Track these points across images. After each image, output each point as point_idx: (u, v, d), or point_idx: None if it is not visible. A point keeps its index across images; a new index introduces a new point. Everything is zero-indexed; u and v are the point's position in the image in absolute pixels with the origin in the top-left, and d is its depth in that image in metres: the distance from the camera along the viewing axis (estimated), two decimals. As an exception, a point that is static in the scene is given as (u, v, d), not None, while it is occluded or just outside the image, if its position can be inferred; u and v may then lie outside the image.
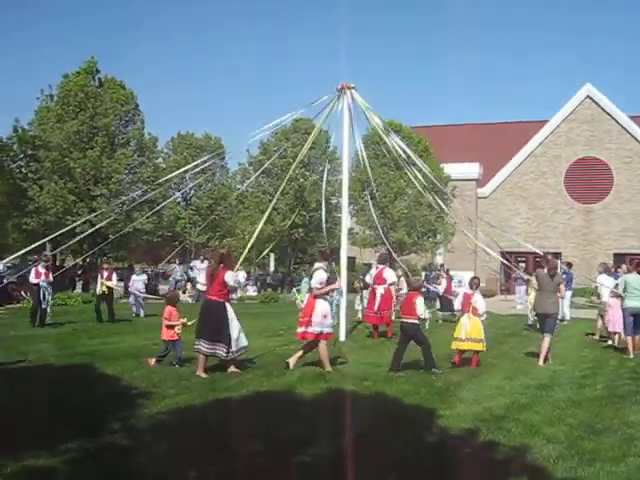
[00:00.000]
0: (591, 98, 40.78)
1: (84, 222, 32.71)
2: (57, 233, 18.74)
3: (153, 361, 11.32)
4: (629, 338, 14.11)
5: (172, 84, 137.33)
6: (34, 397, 8.68)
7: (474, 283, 12.82)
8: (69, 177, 33.57)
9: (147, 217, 29.11)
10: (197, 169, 24.11)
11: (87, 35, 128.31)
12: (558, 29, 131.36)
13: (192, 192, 47.83)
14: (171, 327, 11.42)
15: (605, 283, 17.58)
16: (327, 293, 11.74)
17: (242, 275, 26.51)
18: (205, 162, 24.17)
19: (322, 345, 11.29)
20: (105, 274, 19.73)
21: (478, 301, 12.39)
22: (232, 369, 10.85)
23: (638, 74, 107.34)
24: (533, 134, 42.08)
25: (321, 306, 11.31)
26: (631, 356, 13.59)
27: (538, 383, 10.39)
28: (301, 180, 35.61)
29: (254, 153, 40.70)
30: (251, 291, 38.22)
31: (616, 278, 25.67)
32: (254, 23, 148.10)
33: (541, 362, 12.47)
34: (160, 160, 44.06)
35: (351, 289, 19.52)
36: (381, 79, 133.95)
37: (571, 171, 41.06)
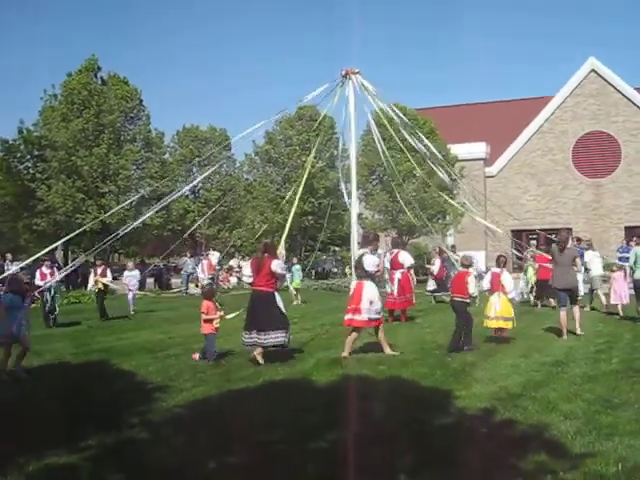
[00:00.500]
0: (596, 72, 40.47)
1: (94, 220, 32.89)
2: (69, 236, 18.63)
3: (197, 356, 11.23)
4: None
5: (175, 78, 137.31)
6: (52, 395, 8.74)
7: (501, 261, 12.99)
8: (77, 175, 33.68)
9: (156, 212, 29.12)
10: (204, 161, 24.14)
11: (88, 33, 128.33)
12: (560, 6, 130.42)
13: (200, 184, 47.87)
14: (209, 321, 11.29)
15: (594, 260, 18.65)
16: (378, 277, 12.07)
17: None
18: (213, 155, 24.35)
19: (354, 334, 11.33)
20: (99, 270, 19.48)
21: (506, 279, 12.55)
22: (259, 355, 10.69)
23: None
24: (539, 110, 41.83)
25: (369, 292, 11.21)
26: None
27: (553, 360, 10.39)
28: (308, 167, 35.55)
29: (260, 143, 40.71)
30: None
31: (628, 251, 25.66)
32: (256, 15, 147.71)
33: (579, 331, 13.10)
34: (167, 155, 44.12)
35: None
36: (384, 64, 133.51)
37: (579, 146, 40.82)
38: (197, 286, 30.80)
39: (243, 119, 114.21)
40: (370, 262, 11.30)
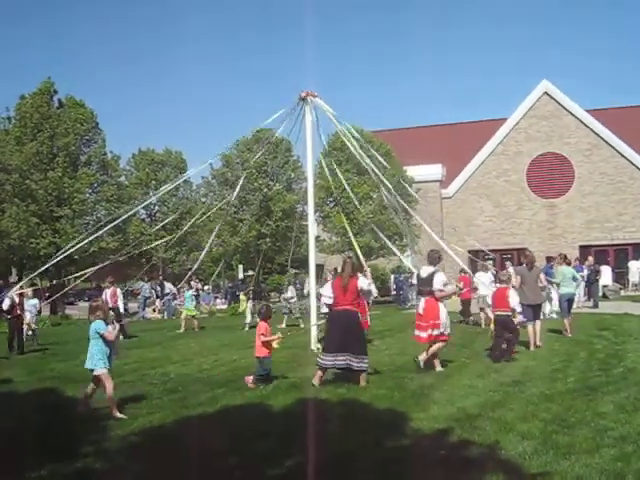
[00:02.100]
0: (548, 94, 41.20)
1: (49, 244, 32.44)
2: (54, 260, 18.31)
3: (251, 379, 10.77)
4: (566, 320, 16.19)
5: (130, 101, 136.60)
6: (2, 425, 8.53)
7: (506, 278, 13.44)
8: (31, 199, 33.27)
9: (112, 236, 28.87)
10: (163, 190, 24.05)
11: (43, 56, 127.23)
12: (513, 26, 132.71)
13: (157, 208, 47.55)
14: (266, 343, 10.90)
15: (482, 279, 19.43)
16: (449, 296, 12.58)
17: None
18: (169, 178, 24.35)
19: (439, 345, 11.67)
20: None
21: (511, 296, 12.83)
22: (363, 381, 10.45)
23: (594, 69, 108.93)
24: (494, 132, 42.39)
25: (443, 307, 11.68)
26: (569, 335, 15.67)
27: (510, 380, 10.43)
28: (265, 190, 35.54)
29: (216, 166, 40.59)
30: (220, 304, 38.10)
31: (582, 270, 26.00)
32: (213, 39, 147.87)
33: (539, 343, 13.96)
34: (123, 178, 43.78)
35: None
36: (337, 86, 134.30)
37: (533, 167, 41.43)
38: (154, 311, 30.56)
39: (199, 141, 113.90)
40: (440, 280, 11.68)
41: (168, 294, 31.29)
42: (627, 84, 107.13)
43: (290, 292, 23.30)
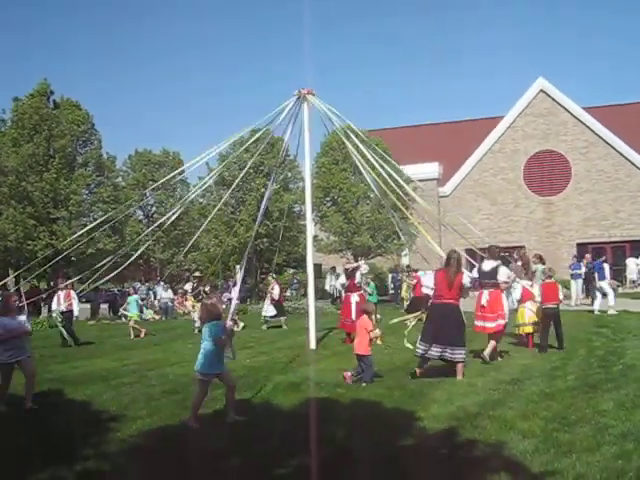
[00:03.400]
0: (544, 92, 41.21)
1: (46, 246, 32.38)
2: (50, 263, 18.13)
3: (349, 375, 10.70)
4: None
5: (127, 102, 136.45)
6: (1, 428, 8.51)
7: (552, 274, 14.35)
8: (27, 201, 33.23)
9: (108, 236, 28.84)
10: (156, 185, 23.96)
11: (40, 57, 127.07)
12: (509, 25, 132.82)
13: (154, 209, 47.51)
14: (367, 339, 10.78)
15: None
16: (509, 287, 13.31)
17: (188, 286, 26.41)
18: (167, 180, 24.20)
19: (498, 336, 12.55)
20: (62, 295, 19.16)
21: (536, 290, 14.02)
22: (460, 374, 10.73)
23: (590, 67, 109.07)
24: (490, 130, 42.40)
25: (505, 299, 12.44)
26: None
27: (510, 378, 10.43)
28: (262, 190, 35.45)
29: (213, 166, 40.51)
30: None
31: (580, 268, 26.00)
32: (207, 41, 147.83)
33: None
34: (119, 179, 43.75)
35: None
36: (333, 85, 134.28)
37: (530, 165, 41.44)
38: (155, 312, 30.41)
39: (196, 142, 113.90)
40: (504, 273, 12.52)
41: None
42: (624, 81, 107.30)
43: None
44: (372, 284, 22.76)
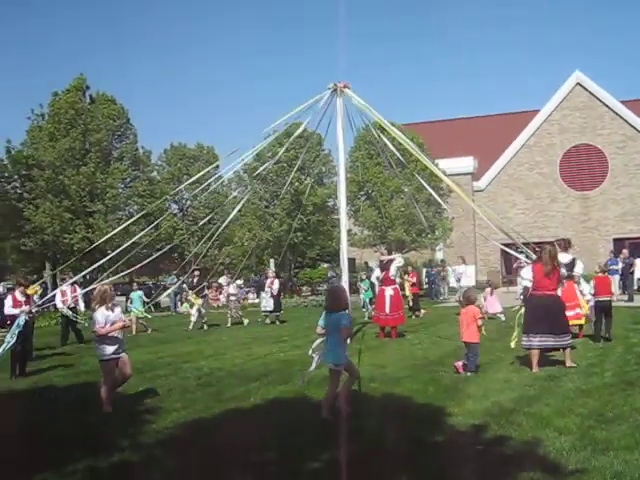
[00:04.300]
0: (581, 85, 40.79)
1: (82, 239, 32.71)
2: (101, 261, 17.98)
3: (460, 364, 10.80)
4: None
5: (162, 96, 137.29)
6: (40, 419, 8.62)
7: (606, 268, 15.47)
8: (64, 195, 33.56)
9: (145, 231, 29.02)
10: (193, 179, 23.99)
11: (75, 52, 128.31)
12: (543, 20, 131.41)
13: (188, 202, 47.73)
14: (478, 328, 10.97)
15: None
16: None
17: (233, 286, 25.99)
18: (203, 175, 24.17)
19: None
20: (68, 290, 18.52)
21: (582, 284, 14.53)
22: (568, 360, 11.07)
23: (625, 60, 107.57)
24: (526, 124, 42.05)
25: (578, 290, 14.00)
26: None
27: (546, 374, 10.33)
28: (296, 184, 35.52)
29: (248, 160, 40.59)
30: (251, 298, 38.16)
31: (617, 263, 25.72)
32: (244, 32, 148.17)
33: None
34: (155, 173, 44.02)
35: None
36: (369, 80, 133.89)
37: (566, 159, 41.06)
38: (190, 306, 30.47)
39: (231, 136, 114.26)
40: (580, 266, 13.94)
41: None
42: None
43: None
44: (367, 281, 22.80)
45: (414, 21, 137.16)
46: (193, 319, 22.03)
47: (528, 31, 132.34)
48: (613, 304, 14.75)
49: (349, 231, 31.04)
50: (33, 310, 13.16)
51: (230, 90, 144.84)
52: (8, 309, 13.06)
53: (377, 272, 17.80)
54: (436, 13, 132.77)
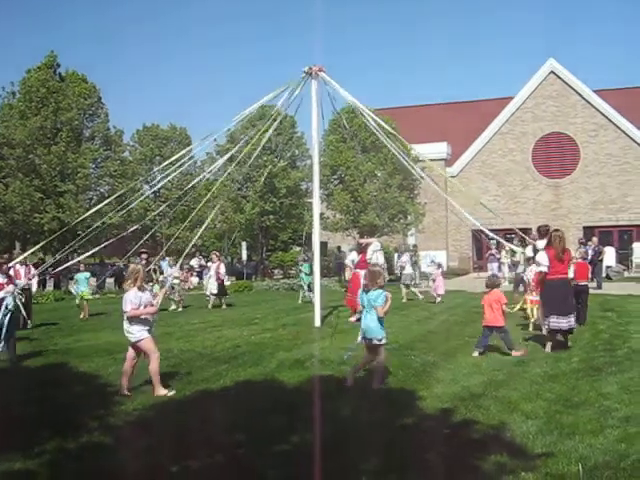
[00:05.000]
0: (555, 73, 40.96)
1: (53, 219, 32.42)
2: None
3: (520, 353, 10.92)
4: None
5: (133, 75, 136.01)
6: (7, 399, 8.55)
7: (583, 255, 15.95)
8: (35, 174, 33.24)
9: (117, 211, 28.79)
10: (167, 162, 23.76)
11: (46, 29, 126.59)
12: (518, 7, 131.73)
13: (160, 184, 47.47)
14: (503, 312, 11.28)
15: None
16: None
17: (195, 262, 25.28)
18: (174, 155, 23.86)
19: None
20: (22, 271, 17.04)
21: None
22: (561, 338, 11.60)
23: (600, 49, 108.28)
24: (499, 111, 42.19)
25: None
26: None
27: (514, 359, 10.44)
28: (269, 167, 35.42)
29: (221, 142, 40.40)
30: (226, 280, 38.05)
31: (587, 250, 26.01)
32: (216, 18, 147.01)
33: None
34: (127, 153, 43.68)
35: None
36: (341, 62, 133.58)
37: (538, 147, 41.27)
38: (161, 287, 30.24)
39: (204, 119, 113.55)
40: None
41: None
42: (635, 65, 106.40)
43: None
44: (306, 265, 22.74)
45: (390, 6, 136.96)
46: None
47: (505, 17, 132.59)
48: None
49: (322, 215, 31.05)
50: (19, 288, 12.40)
51: (206, 73, 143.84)
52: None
53: (353, 255, 17.79)
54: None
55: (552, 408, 7.41)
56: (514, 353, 10.83)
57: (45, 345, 13.65)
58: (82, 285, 20.09)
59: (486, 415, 7.19)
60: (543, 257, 11.82)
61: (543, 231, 13.67)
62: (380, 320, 8.63)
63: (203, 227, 17.30)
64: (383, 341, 8.73)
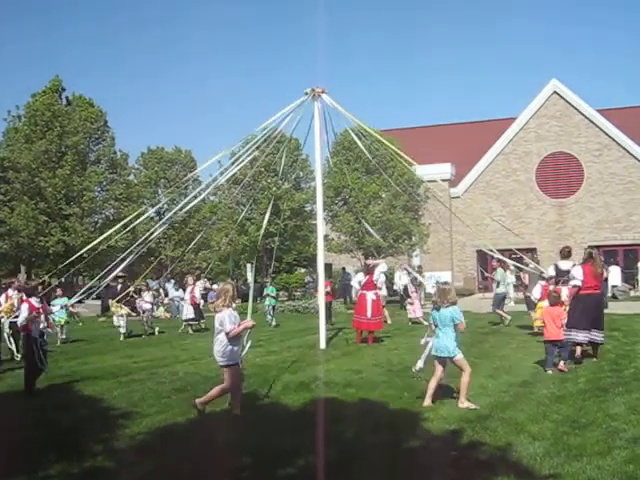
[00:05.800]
0: (558, 93, 41.05)
1: (58, 242, 32.47)
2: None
3: (562, 364, 11.28)
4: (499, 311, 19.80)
5: (139, 99, 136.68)
6: (12, 423, 8.53)
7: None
8: (40, 197, 33.38)
9: (121, 234, 28.83)
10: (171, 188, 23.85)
11: (52, 54, 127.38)
12: (522, 24, 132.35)
13: (165, 206, 47.60)
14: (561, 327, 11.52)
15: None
16: None
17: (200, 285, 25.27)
18: (179, 177, 23.97)
19: None
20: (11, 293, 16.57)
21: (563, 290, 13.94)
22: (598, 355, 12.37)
23: (603, 68, 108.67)
24: (503, 132, 42.27)
25: None
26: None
27: (521, 380, 10.40)
28: (274, 189, 35.49)
29: (226, 164, 40.52)
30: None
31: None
32: (219, 35, 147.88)
33: None
34: (132, 176, 43.87)
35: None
36: (345, 84, 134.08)
37: (542, 167, 41.29)
38: (166, 310, 30.22)
39: (208, 140, 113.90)
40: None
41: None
42: (638, 84, 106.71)
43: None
44: (272, 288, 22.71)
45: (393, 34, 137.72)
46: (122, 330, 20.11)
47: (508, 39, 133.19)
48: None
49: (326, 236, 31.06)
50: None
51: (210, 93, 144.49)
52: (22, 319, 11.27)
53: (359, 276, 17.74)
54: (414, 12, 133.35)
55: (559, 429, 7.36)
56: (562, 367, 11.23)
57: (50, 368, 13.62)
58: (59, 312, 18.88)
59: (493, 437, 7.15)
60: (578, 272, 12.21)
61: (566, 252, 13.93)
62: (457, 337, 8.79)
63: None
64: (459, 355, 8.81)
